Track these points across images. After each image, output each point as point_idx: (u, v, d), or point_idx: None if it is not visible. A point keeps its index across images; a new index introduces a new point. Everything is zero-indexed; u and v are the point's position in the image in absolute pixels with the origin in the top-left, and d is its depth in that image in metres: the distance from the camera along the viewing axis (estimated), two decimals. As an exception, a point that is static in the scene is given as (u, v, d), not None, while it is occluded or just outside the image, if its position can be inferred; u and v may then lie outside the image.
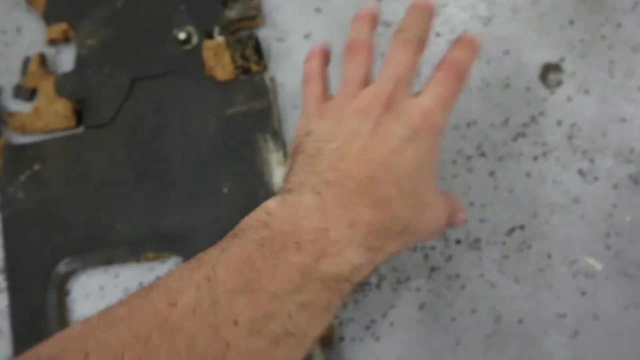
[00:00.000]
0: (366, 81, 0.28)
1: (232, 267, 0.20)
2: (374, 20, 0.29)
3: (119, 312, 0.19)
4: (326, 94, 0.29)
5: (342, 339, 0.32)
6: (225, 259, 0.21)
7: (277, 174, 0.32)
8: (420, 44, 0.28)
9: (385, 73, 0.27)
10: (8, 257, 0.33)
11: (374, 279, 0.32)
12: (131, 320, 0.18)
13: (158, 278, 0.21)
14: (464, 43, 0.28)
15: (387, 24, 0.36)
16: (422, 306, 0.33)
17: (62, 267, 0.33)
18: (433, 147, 0.26)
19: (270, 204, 0.23)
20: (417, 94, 0.27)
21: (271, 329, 0.20)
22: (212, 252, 0.21)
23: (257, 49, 0.33)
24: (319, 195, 0.23)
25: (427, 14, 0.28)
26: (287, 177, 0.25)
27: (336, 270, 0.22)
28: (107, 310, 0.19)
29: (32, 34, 0.36)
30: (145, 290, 0.20)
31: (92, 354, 0.17)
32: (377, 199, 0.24)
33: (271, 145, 0.32)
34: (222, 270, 0.20)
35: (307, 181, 0.24)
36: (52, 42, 0.35)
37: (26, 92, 0.34)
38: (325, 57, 0.30)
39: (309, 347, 0.22)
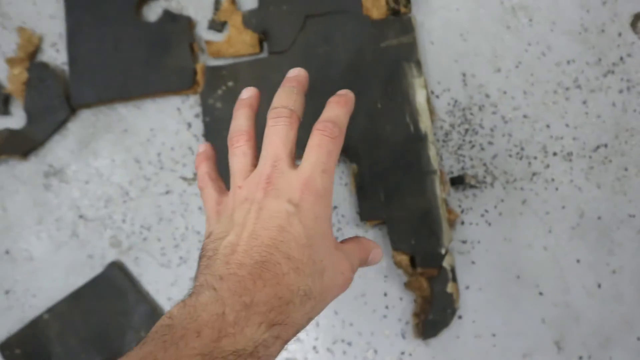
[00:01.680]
0: (253, 168, 0.29)
1: None
2: (254, 103, 0.31)
3: None
4: (222, 193, 0.30)
5: (462, 223, 0.42)
6: (127, 357, 0.22)
7: (419, 94, 0.41)
8: (293, 115, 0.29)
9: (263, 155, 0.28)
10: (207, 152, 0.43)
11: (488, 179, 0.42)
12: None
13: None
14: (334, 102, 0.30)
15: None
16: (524, 202, 0.42)
17: (246, 162, 0.43)
18: (320, 212, 0.27)
19: (173, 309, 0.24)
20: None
21: None
22: None
23: (408, -6, 0.41)
24: (214, 290, 0.24)
25: (298, 87, 0.30)
26: (193, 283, 0.26)
27: (238, 347, 0.23)
28: None
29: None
30: None
31: None
32: (269, 278, 0.25)
33: (415, 71, 0.41)
34: None
35: (205, 282, 0.25)
36: (238, -16, 0.44)
37: (219, 25, 0.43)
38: (210, 156, 0.33)
39: None
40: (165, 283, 0.44)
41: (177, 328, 0.23)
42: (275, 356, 0.25)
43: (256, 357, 0.23)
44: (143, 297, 0.44)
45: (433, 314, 0.40)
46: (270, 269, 0.25)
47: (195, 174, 0.44)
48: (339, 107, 0.30)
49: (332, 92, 0.42)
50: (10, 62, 0.45)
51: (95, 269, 0.44)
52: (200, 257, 0.27)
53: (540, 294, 0.41)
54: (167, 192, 0.44)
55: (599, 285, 0.41)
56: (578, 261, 0.41)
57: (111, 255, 0.44)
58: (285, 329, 0.25)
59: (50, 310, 0.44)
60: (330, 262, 0.27)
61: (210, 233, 0.28)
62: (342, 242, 0.31)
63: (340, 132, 0.29)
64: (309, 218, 0.27)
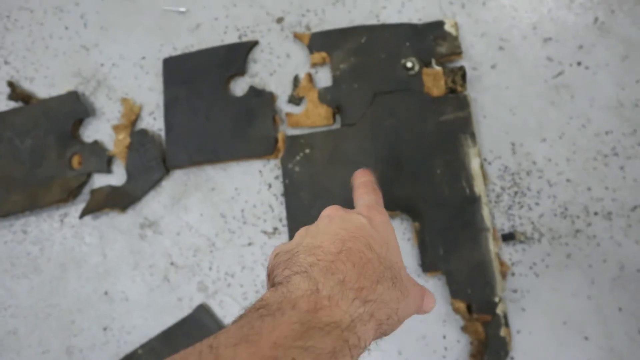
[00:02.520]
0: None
1: (232, 332, 0.22)
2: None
3: None
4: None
5: (513, 274, 0.47)
6: (225, 330, 0.23)
7: (474, 161, 0.47)
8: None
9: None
10: (288, 212, 0.49)
11: (536, 235, 0.47)
12: None
13: None
14: (361, 173, 0.38)
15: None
16: (568, 256, 0.47)
17: (319, 218, 0.49)
18: (387, 226, 0.31)
19: (264, 294, 0.25)
20: None
21: None
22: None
23: (464, 77, 0.47)
24: (305, 272, 0.26)
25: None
26: (271, 282, 0.28)
27: (335, 319, 0.24)
28: None
29: (297, 59, 0.52)
30: None
31: None
32: (357, 261, 0.27)
33: (470, 141, 0.47)
34: (222, 337, 0.22)
35: (291, 272, 0.26)
36: (314, 65, 0.50)
37: (297, 99, 0.50)
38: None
39: None
40: (247, 324, 0.50)
41: (272, 304, 0.24)
42: (370, 340, 0.26)
43: (353, 332, 0.24)
44: (227, 336, 0.49)
45: (488, 355, 0.45)
46: (356, 254, 0.27)
47: (274, 229, 0.50)
48: (366, 176, 0.36)
49: (397, 160, 0.48)
50: (116, 128, 0.53)
51: (183, 310, 0.50)
52: (273, 269, 0.28)
53: (586, 338, 0.45)
54: (250, 244, 0.50)
55: None
56: (620, 309, 0.46)
57: (198, 299, 0.50)
58: (378, 307, 0.26)
59: (144, 346, 0.50)
60: (404, 273, 0.30)
61: (279, 252, 0.29)
62: None
63: (375, 189, 0.36)
64: (380, 227, 0.30)
